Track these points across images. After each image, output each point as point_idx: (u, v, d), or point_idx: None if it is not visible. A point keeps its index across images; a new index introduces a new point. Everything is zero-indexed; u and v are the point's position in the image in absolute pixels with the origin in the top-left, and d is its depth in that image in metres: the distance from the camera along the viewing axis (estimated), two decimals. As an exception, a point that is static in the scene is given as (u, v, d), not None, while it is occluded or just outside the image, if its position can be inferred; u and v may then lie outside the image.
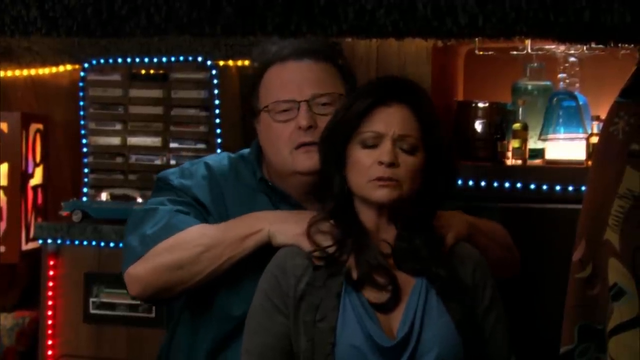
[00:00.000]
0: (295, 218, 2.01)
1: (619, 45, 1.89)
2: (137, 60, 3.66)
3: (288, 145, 2.09)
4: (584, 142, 3.11)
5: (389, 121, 1.90)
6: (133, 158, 3.70)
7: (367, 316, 1.85)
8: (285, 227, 1.99)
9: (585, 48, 3.11)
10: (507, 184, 3.06)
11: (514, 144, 3.16)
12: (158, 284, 2.05)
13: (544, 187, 3.03)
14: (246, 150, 2.27)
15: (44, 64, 3.96)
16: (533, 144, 3.22)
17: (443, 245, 1.95)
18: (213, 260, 2.02)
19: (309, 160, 2.06)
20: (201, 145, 3.59)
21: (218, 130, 3.56)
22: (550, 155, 3.20)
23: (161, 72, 3.65)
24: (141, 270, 2.05)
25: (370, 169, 1.88)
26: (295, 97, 2.09)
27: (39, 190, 4.01)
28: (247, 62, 3.64)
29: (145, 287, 2.06)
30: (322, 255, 1.90)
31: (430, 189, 1.93)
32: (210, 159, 2.25)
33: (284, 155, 2.10)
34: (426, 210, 1.94)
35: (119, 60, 3.67)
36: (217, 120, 3.56)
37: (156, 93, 3.65)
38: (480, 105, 3.28)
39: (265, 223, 2.01)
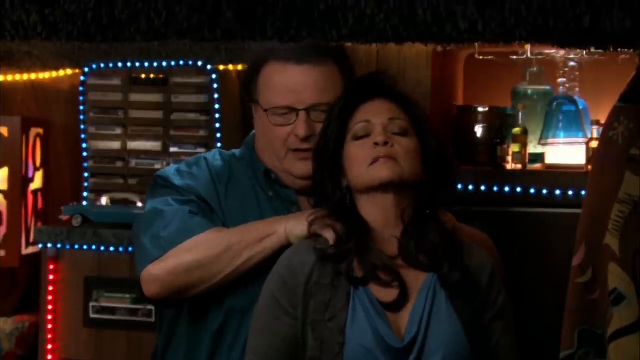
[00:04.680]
0: (309, 212, 2.03)
1: (619, 50, 1.90)
2: (137, 64, 3.66)
3: (284, 147, 2.11)
4: (583, 147, 3.11)
5: (375, 111, 1.95)
6: (133, 162, 3.70)
7: (377, 316, 1.85)
8: (301, 220, 2.01)
9: (585, 52, 3.11)
10: (507, 189, 3.06)
11: (514, 148, 3.15)
12: (176, 284, 2.04)
13: (544, 191, 3.03)
14: (237, 150, 2.28)
15: (44, 68, 3.96)
16: (533, 148, 3.22)
17: (452, 238, 1.95)
18: (232, 261, 2.03)
19: (305, 166, 2.08)
20: (201, 149, 3.58)
21: (218, 135, 3.56)
22: (550, 159, 3.20)
23: (161, 76, 3.65)
24: (159, 271, 2.04)
25: (367, 154, 1.91)
26: (295, 105, 2.09)
27: (39, 194, 4.01)
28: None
29: (163, 287, 2.05)
30: (328, 254, 1.90)
31: (432, 180, 1.94)
32: (206, 155, 2.26)
33: (279, 154, 2.13)
34: (431, 202, 1.95)
35: (119, 64, 3.68)
36: (217, 125, 3.56)
37: (156, 97, 3.65)
38: (480, 109, 3.28)
39: (280, 225, 2.03)
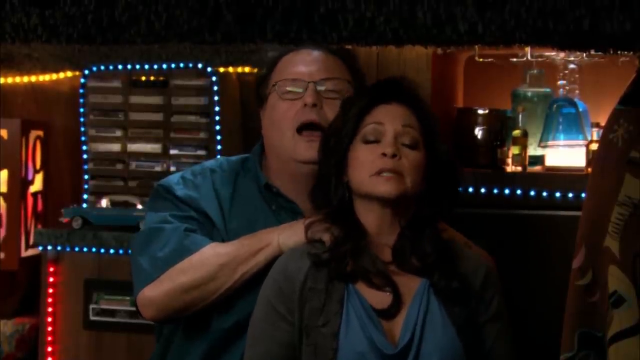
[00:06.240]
0: (302, 221, 2.02)
1: (619, 52, 1.90)
2: (137, 66, 3.66)
3: (292, 125, 2.10)
4: (583, 149, 3.11)
5: (390, 115, 1.91)
6: (133, 164, 3.69)
7: (370, 322, 1.83)
8: (294, 230, 2.00)
9: (584, 55, 3.12)
10: (507, 191, 3.06)
11: (514, 150, 3.16)
12: (174, 305, 2.04)
13: (544, 193, 3.03)
14: (246, 155, 2.27)
15: (44, 70, 3.96)
16: (533, 150, 3.23)
17: (447, 245, 1.94)
18: (228, 278, 2.02)
19: (310, 150, 2.07)
20: (201, 152, 3.59)
21: (218, 137, 3.56)
22: (550, 162, 3.20)
23: (161, 78, 3.65)
24: (155, 293, 2.04)
25: (373, 162, 1.87)
26: (304, 78, 2.11)
27: (39, 196, 4.01)
28: (247, 69, 3.64)
29: (160, 309, 2.05)
30: (322, 259, 1.89)
31: (433, 189, 1.92)
32: (212, 165, 2.24)
33: (286, 137, 2.11)
34: (430, 211, 1.94)
35: (119, 66, 3.68)
36: (217, 127, 3.56)
37: (156, 99, 3.65)
38: (480, 112, 3.28)
39: (274, 236, 2.02)
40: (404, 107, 1.93)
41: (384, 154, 1.86)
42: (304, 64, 2.13)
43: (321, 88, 2.11)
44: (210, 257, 2.03)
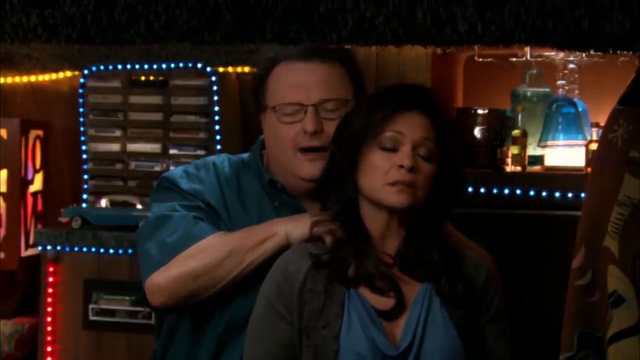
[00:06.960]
0: (309, 214, 2.03)
1: (618, 52, 1.90)
2: (137, 66, 3.67)
3: (292, 146, 2.10)
4: (583, 149, 3.11)
5: (410, 125, 1.89)
6: (133, 164, 3.70)
7: (372, 323, 1.84)
8: (301, 222, 2.01)
9: (584, 55, 3.12)
10: (506, 191, 3.07)
11: (513, 150, 3.16)
12: (182, 292, 2.05)
13: (544, 193, 3.03)
14: (245, 155, 2.27)
15: (43, 70, 3.97)
16: (532, 150, 3.23)
17: (450, 249, 1.94)
18: (235, 266, 2.03)
19: (313, 168, 2.07)
20: (201, 152, 3.59)
21: (218, 137, 3.57)
22: (549, 161, 3.20)
23: (161, 78, 3.66)
24: (164, 279, 2.04)
25: (389, 172, 1.86)
26: (303, 101, 2.09)
27: (39, 196, 4.01)
28: (246, 69, 3.65)
29: (169, 296, 2.06)
30: (323, 260, 1.89)
31: (440, 196, 1.92)
32: (215, 159, 2.24)
33: (288, 155, 2.11)
34: (435, 216, 1.94)
35: (119, 66, 3.68)
36: (217, 127, 3.56)
37: (156, 99, 3.66)
38: (480, 111, 3.28)
39: (281, 226, 2.03)
40: (424, 117, 1.91)
41: (402, 166, 1.85)
42: (302, 84, 2.10)
43: (321, 110, 2.08)
44: (218, 243, 2.04)
